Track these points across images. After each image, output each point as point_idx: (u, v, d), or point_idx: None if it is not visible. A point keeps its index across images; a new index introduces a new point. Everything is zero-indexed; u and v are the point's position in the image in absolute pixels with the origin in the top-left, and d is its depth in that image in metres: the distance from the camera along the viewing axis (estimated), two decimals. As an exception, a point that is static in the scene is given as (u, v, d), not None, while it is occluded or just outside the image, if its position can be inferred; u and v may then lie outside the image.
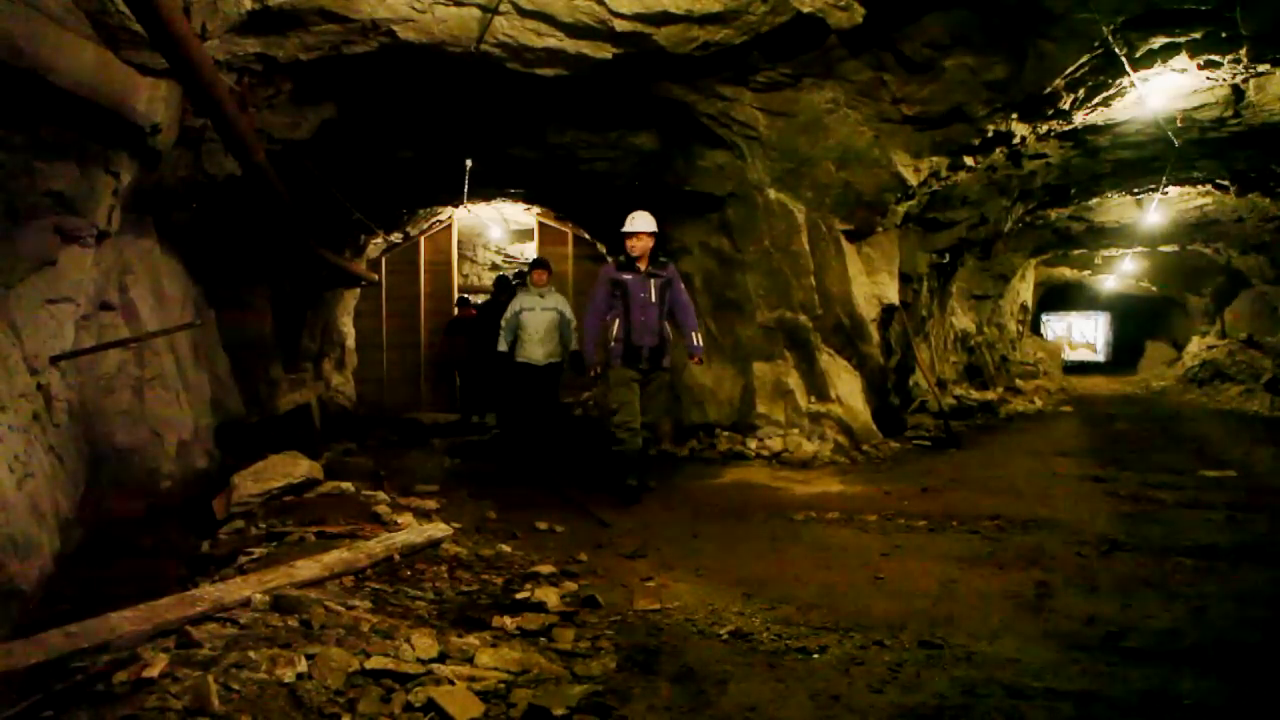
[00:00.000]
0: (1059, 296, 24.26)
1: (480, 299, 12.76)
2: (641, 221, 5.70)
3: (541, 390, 7.64)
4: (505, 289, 9.89)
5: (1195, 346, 16.08)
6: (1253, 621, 3.02)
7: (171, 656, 2.26)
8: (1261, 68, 6.17)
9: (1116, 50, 5.57)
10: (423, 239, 13.07)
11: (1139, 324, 23.28)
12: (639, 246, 5.69)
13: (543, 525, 4.76)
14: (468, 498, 5.52)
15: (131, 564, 3.97)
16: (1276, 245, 12.79)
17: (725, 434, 7.58)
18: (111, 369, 4.79)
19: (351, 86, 5.59)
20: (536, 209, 12.43)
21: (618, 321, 5.65)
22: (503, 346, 7.55)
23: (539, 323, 7.55)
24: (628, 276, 5.68)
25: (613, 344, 5.66)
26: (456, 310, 11.94)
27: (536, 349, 7.52)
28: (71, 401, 4.24)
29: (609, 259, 5.84)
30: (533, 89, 5.76)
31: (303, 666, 2.25)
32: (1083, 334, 29.95)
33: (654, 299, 5.69)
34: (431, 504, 4.91)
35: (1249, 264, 14.22)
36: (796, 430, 7.32)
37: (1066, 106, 6.71)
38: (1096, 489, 5.63)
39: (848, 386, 7.65)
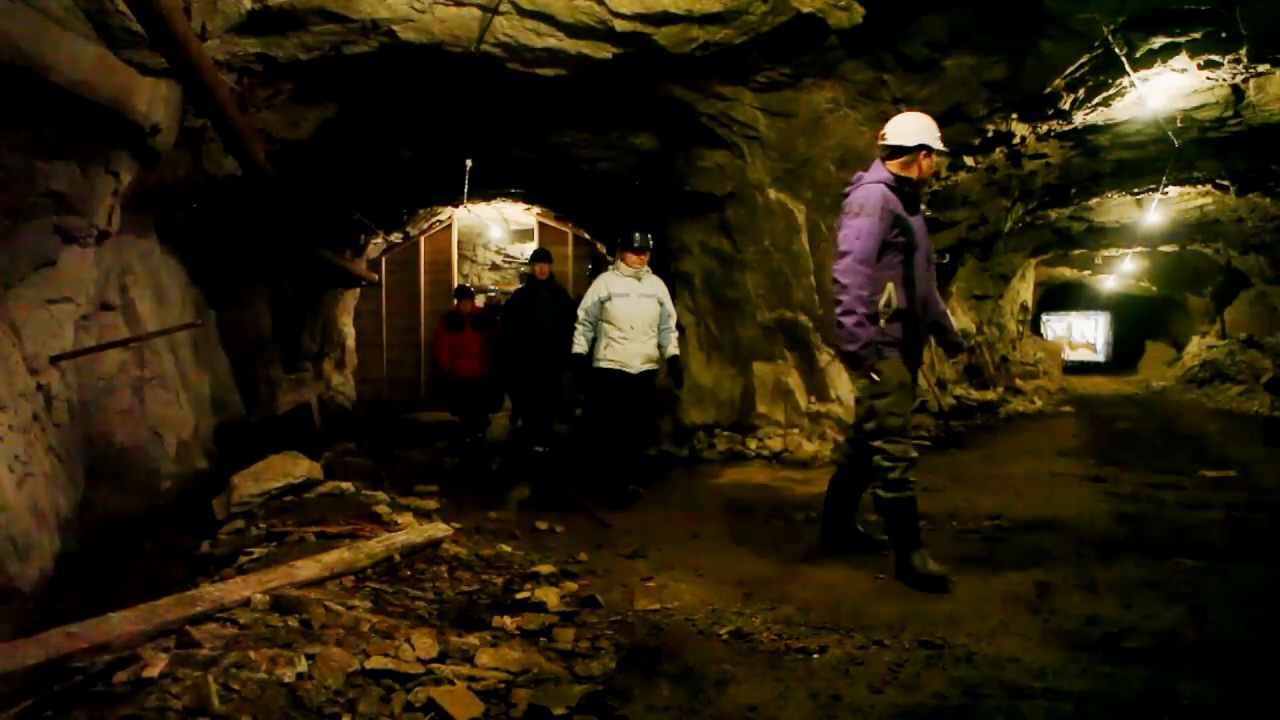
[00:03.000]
0: (1059, 296, 24.26)
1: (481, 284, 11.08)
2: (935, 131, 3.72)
3: (634, 408, 5.60)
4: (544, 259, 7.71)
5: (1195, 346, 16.08)
6: (1253, 621, 3.02)
7: (171, 656, 2.25)
8: (1261, 68, 6.18)
9: (1116, 50, 5.57)
10: (423, 239, 13.07)
11: (1139, 324, 23.27)
12: (935, 167, 3.81)
13: (543, 525, 4.76)
14: (468, 498, 5.53)
15: (131, 564, 3.98)
16: (1276, 245, 12.78)
17: (725, 434, 7.58)
18: (111, 369, 4.79)
19: (352, 86, 5.59)
20: (536, 209, 12.44)
21: (891, 285, 3.59)
22: (581, 347, 5.53)
23: (637, 314, 5.49)
24: (910, 216, 3.66)
25: (884, 321, 3.61)
26: (455, 302, 9.18)
27: (633, 351, 5.47)
28: (71, 401, 4.24)
29: (879, 181, 3.67)
30: (533, 89, 5.76)
31: (303, 666, 2.25)
32: (1083, 334, 29.95)
33: (933, 251, 3.81)
34: (431, 504, 4.91)
35: (1249, 264, 14.22)
36: (796, 430, 7.32)
37: (1066, 106, 6.72)
38: (1096, 489, 5.63)
39: (848, 386, 7.65)
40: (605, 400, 5.57)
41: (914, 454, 3.60)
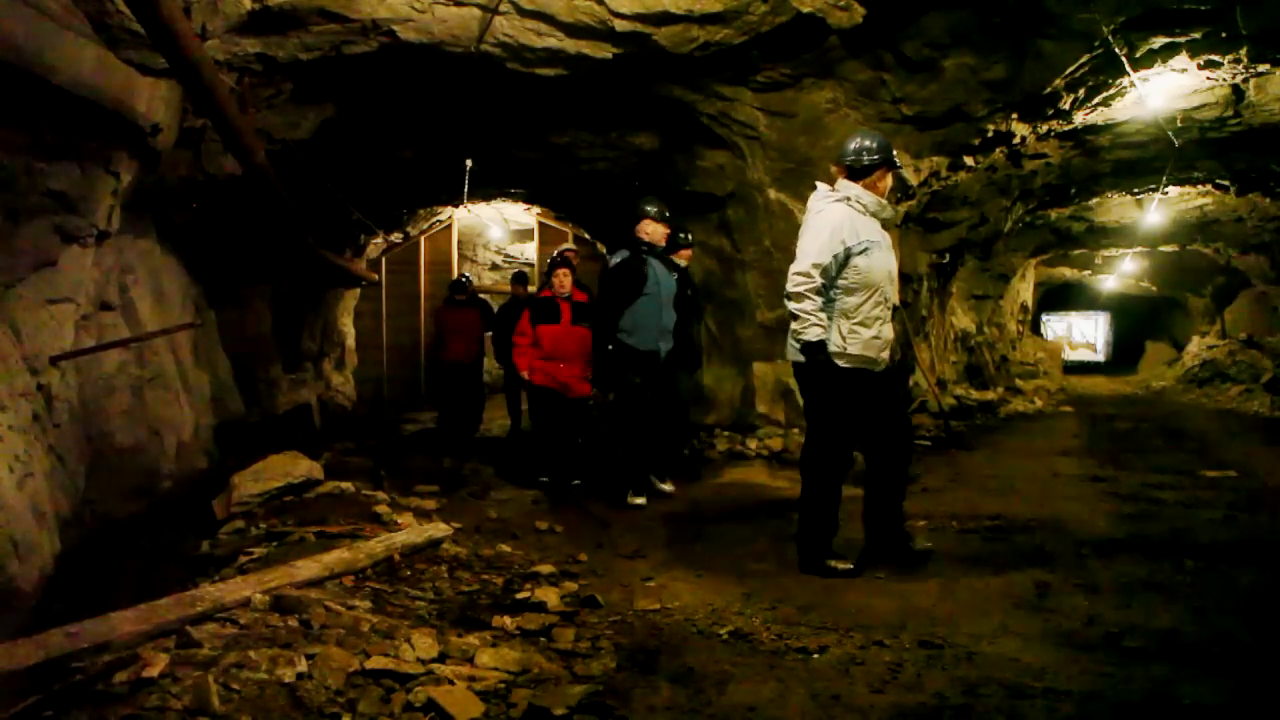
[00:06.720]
0: (1059, 296, 24.26)
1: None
2: None
3: (900, 422, 3.90)
4: (659, 218, 5.32)
5: (1195, 346, 16.08)
6: (1253, 622, 3.02)
7: (171, 656, 2.25)
8: (1261, 68, 6.18)
9: (1116, 50, 5.57)
10: (423, 239, 13.07)
11: (1139, 324, 23.28)
12: None
13: (543, 525, 4.76)
14: (468, 498, 5.52)
15: (131, 564, 3.98)
16: (1276, 245, 12.78)
17: (725, 434, 7.58)
18: (111, 369, 4.79)
19: (352, 86, 5.59)
20: (536, 209, 12.44)
21: None
22: (820, 329, 3.48)
23: (890, 276, 3.68)
24: None
25: None
26: (548, 287, 5.96)
27: (885, 336, 3.64)
28: (71, 401, 4.24)
29: None
30: (533, 89, 5.76)
31: (303, 666, 2.25)
32: (1083, 334, 29.97)
33: None
34: (431, 504, 4.91)
35: (1249, 264, 14.22)
36: (797, 430, 7.31)
37: (1066, 106, 6.71)
38: (1096, 489, 5.63)
39: (848, 386, 7.65)
40: (850, 417, 3.60)
41: None
